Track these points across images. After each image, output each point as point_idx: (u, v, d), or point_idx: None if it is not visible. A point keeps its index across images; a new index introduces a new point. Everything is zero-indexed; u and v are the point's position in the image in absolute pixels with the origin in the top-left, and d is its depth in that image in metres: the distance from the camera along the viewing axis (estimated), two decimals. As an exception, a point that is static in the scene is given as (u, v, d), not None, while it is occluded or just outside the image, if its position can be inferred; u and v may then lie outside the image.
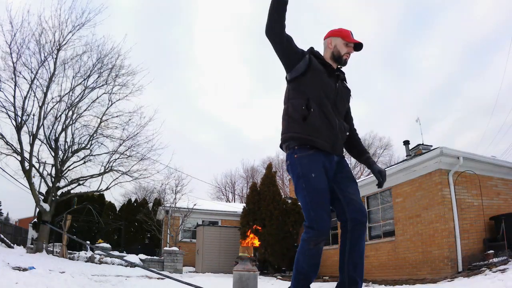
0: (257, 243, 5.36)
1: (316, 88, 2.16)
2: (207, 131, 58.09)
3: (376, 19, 49.82)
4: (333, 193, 2.17)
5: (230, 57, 58.53)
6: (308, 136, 2.10)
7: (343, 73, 2.40)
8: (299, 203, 2.30)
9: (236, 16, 56.14)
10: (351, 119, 2.49)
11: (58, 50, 12.20)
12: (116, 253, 15.12)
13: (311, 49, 2.33)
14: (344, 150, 2.45)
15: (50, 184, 12.74)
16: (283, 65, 2.26)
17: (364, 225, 2.13)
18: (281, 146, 2.30)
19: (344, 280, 2.12)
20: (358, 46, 2.33)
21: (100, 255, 12.12)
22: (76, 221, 18.03)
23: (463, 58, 47.74)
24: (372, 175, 2.80)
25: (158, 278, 9.07)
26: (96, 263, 11.40)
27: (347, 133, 2.34)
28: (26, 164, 11.74)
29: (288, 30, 2.18)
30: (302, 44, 2.28)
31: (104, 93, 13.31)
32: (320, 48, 2.41)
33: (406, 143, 13.52)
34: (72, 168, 13.49)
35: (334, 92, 2.23)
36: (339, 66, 2.37)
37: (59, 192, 13.95)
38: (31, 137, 11.97)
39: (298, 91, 2.19)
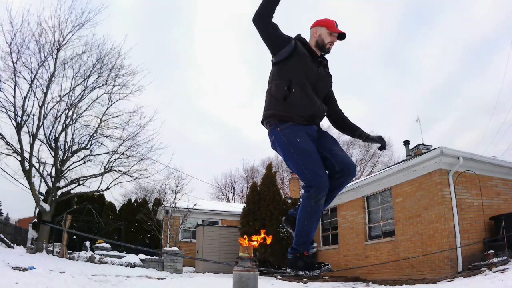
0: (256, 242, 5.34)
1: (298, 71, 2.32)
2: (207, 131, 58.09)
3: (376, 19, 49.82)
4: (320, 155, 2.29)
5: (230, 57, 58.54)
6: (288, 113, 2.28)
7: (326, 60, 2.54)
8: (294, 172, 2.39)
9: (236, 15, 56.16)
10: (335, 101, 2.65)
11: (58, 50, 12.20)
12: (116, 253, 15.12)
13: (298, 35, 2.48)
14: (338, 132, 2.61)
15: (50, 184, 12.74)
16: (269, 49, 2.39)
17: (352, 175, 2.31)
18: (262, 122, 2.47)
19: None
20: (341, 36, 2.47)
21: (100, 255, 12.12)
22: (76, 221, 18.03)
23: (463, 57, 47.77)
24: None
25: (158, 278, 9.07)
26: (96, 263, 11.40)
27: (325, 114, 2.53)
28: (26, 164, 11.74)
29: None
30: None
31: (104, 93, 13.32)
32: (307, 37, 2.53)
33: (406, 143, 13.52)
34: (72, 168, 13.50)
35: (315, 76, 2.39)
36: (322, 54, 2.51)
37: (59, 192, 13.95)
38: (31, 137, 11.97)
39: (281, 73, 2.35)
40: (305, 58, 2.35)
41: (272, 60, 2.44)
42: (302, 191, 2.26)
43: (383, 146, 2.47)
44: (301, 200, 2.27)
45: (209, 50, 57.24)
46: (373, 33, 49.27)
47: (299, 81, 2.30)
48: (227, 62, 57.54)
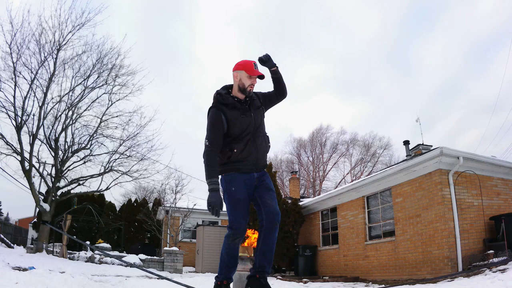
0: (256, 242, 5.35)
1: (236, 132, 2.69)
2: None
3: (378, 18, 49.82)
4: (255, 201, 2.77)
5: (230, 56, 58.54)
6: (234, 166, 2.71)
7: (253, 97, 2.81)
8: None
9: (238, 12, 56.17)
10: (269, 93, 2.96)
11: (58, 50, 12.20)
12: (115, 253, 15.12)
13: (218, 97, 2.74)
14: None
15: (50, 184, 12.73)
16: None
17: (276, 223, 2.74)
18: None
19: (256, 263, 2.76)
20: (261, 77, 2.73)
21: (100, 255, 12.12)
22: (76, 221, 18.04)
23: (466, 56, 47.77)
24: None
25: (158, 278, 9.07)
26: (96, 263, 11.41)
27: (269, 144, 2.92)
28: (26, 164, 11.74)
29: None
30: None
31: (104, 93, 13.32)
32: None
33: (406, 143, 13.53)
34: (72, 168, 13.49)
35: (251, 125, 2.73)
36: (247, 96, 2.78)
37: (59, 192, 13.94)
38: (31, 137, 11.96)
39: (225, 140, 2.72)
40: (237, 120, 2.68)
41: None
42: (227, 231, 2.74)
43: (266, 62, 2.77)
44: (224, 238, 2.77)
45: (210, 47, 57.27)
46: (375, 32, 49.29)
47: (239, 139, 2.69)
48: (227, 60, 57.55)
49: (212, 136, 2.66)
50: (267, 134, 2.92)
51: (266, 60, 2.76)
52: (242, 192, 2.68)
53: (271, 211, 2.70)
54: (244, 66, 2.70)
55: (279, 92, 2.93)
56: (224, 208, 2.59)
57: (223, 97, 2.73)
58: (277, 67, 2.83)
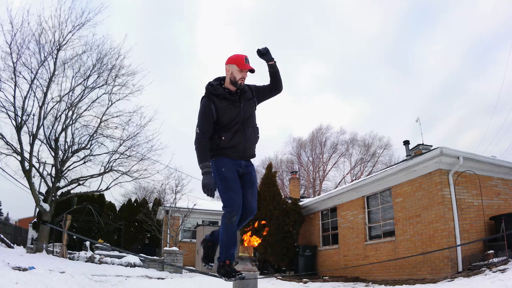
0: (256, 242, 5.36)
1: (225, 121, 2.84)
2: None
3: (378, 17, 49.81)
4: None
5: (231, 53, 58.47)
6: (223, 152, 2.86)
7: (244, 90, 2.95)
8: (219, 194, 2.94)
9: (238, 11, 56.19)
10: (263, 87, 3.07)
11: (58, 50, 12.20)
12: (116, 253, 15.11)
13: (210, 88, 2.88)
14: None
15: (50, 184, 12.73)
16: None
17: (250, 216, 2.90)
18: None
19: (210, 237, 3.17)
20: (251, 71, 2.86)
21: (100, 255, 12.12)
22: (76, 221, 18.02)
23: (466, 56, 47.76)
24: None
25: (158, 278, 9.07)
26: (96, 263, 11.40)
27: (258, 135, 3.04)
28: (26, 164, 11.74)
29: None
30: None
31: (104, 93, 13.32)
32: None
33: (406, 143, 13.53)
34: (72, 168, 13.50)
35: (240, 115, 2.87)
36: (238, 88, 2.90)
37: (59, 192, 13.95)
38: (31, 137, 11.97)
39: (215, 128, 2.87)
40: (226, 109, 2.83)
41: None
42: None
43: (264, 55, 2.89)
44: (221, 218, 2.88)
45: (210, 47, 57.28)
46: (376, 32, 49.30)
47: (228, 128, 2.84)
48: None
49: (202, 125, 2.81)
50: (257, 126, 3.05)
51: (264, 53, 2.86)
52: (233, 172, 2.84)
53: (248, 207, 2.88)
54: (235, 60, 2.83)
55: (275, 86, 3.03)
56: (217, 193, 2.77)
57: (214, 87, 2.87)
58: (274, 61, 2.93)
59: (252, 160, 3.09)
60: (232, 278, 2.78)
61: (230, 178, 2.81)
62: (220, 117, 2.83)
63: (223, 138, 2.83)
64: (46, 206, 12.13)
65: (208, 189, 2.64)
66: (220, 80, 2.95)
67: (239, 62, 2.82)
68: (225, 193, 2.79)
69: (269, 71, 2.97)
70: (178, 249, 12.96)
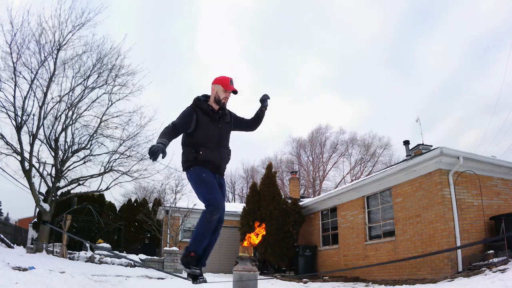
0: (256, 240, 5.37)
1: (202, 137, 3.02)
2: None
3: (379, 17, 49.82)
4: None
5: (231, 55, 58.55)
6: (199, 163, 3.00)
7: (225, 112, 3.19)
8: (200, 198, 3.06)
9: (238, 11, 56.19)
10: (245, 120, 3.40)
11: (58, 50, 12.20)
12: (116, 253, 15.10)
13: (197, 101, 3.10)
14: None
15: (50, 184, 12.73)
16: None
17: (219, 227, 3.09)
18: (183, 171, 3.15)
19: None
20: (235, 92, 3.12)
21: (100, 255, 12.12)
22: (76, 221, 18.02)
23: (467, 56, 47.75)
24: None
25: (158, 278, 9.07)
26: (96, 263, 11.41)
27: (230, 157, 3.27)
28: (26, 164, 11.74)
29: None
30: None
31: (104, 93, 13.32)
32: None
33: (406, 143, 13.53)
34: (72, 168, 13.49)
35: (217, 134, 3.08)
36: (221, 107, 3.13)
37: (59, 192, 13.94)
38: (31, 137, 11.96)
39: (190, 141, 3.05)
40: (205, 126, 3.03)
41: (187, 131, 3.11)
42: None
43: (264, 101, 3.35)
44: (202, 213, 2.97)
45: (211, 47, 57.28)
46: (376, 32, 49.30)
47: (205, 144, 3.02)
48: (228, 60, 57.55)
49: (179, 122, 2.96)
50: (230, 148, 3.31)
51: (264, 99, 3.34)
52: (213, 176, 3.03)
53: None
54: (221, 81, 3.08)
55: (253, 124, 3.41)
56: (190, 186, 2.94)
57: (200, 102, 3.11)
58: (267, 108, 3.37)
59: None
60: (188, 269, 2.96)
61: (212, 182, 2.97)
62: (197, 128, 3.02)
63: (200, 152, 3.01)
64: (46, 206, 12.12)
65: (154, 151, 2.57)
66: (206, 97, 3.18)
67: (224, 83, 3.07)
68: (209, 194, 2.92)
69: (257, 113, 3.36)
70: (178, 249, 12.95)
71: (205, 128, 3.03)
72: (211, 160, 3.02)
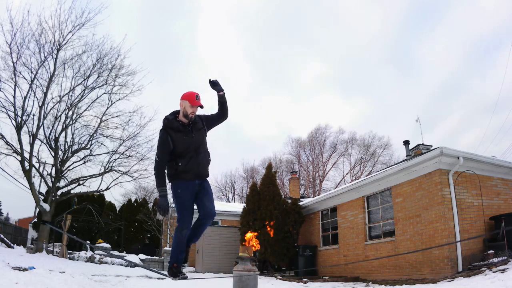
0: (256, 245, 5.38)
1: (180, 150, 3.34)
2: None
3: (379, 17, 49.81)
4: (197, 202, 3.47)
5: (232, 52, 58.54)
6: (179, 177, 3.38)
7: (195, 121, 3.42)
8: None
9: (239, 10, 56.18)
10: (212, 116, 3.58)
11: (58, 50, 12.20)
12: (116, 253, 15.11)
13: (166, 122, 3.38)
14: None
15: (50, 184, 12.74)
16: None
17: (209, 220, 3.49)
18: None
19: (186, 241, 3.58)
20: (201, 106, 3.35)
21: (100, 255, 12.11)
22: (76, 221, 18.02)
23: (468, 55, 47.74)
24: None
25: (158, 278, 9.07)
26: (96, 263, 11.41)
27: (209, 158, 3.58)
28: (26, 164, 11.74)
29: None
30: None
31: (104, 93, 13.34)
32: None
33: (406, 143, 13.53)
34: (72, 168, 13.51)
35: (192, 144, 3.37)
36: (190, 120, 3.39)
37: (59, 192, 13.95)
38: (31, 137, 11.97)
39: (171, 157, 3.39)
40: (180, 141, 3.32)
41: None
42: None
43: (215, 85, 3.49)
44: (175, 229, 3.47)
45: (211, 46, 57.27)
46: (376, 31, 49.29)
47: (183, 156, 3.35)
48: (228, 59, 57.54)
49: (161, 154, 3.32)
50: (208, 150, 3.58)
51: (216, 84, 3.46)
52: (187, 194, 3.38)
53: (207, 211, 3.42)
54: (188, 97, 3.33)
55: (222, 113, 3.56)
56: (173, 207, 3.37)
57: (169, 122, 3.38)
58: (224, 92, 3.49)
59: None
60: (177, 278, 3.46)
61: (185, 199, 3.36)
62: (175, 146, 3.33)
63: (179, 164, 3.35)
64: (46, 206, 12.12)
65: (162, 210, 3.22)
66: (175, 114, 3.45)
67: (191, 99, 3.32)
68: (179, 212, 3.37)
69: (218, 100, 3.50)
70: (178, 249, 12.93)
71: (181, 143, 3.34)
72: (189, 169, 3.36)
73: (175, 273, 3.47)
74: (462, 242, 7.74)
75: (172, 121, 3.38)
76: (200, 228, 3.54)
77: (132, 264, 11.62)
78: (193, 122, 3.40)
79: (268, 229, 12.50)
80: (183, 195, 3.36)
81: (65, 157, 13.09)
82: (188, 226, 3.40)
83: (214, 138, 38.28)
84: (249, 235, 5.55)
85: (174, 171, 3.36)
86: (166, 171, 3.42)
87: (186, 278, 3.51)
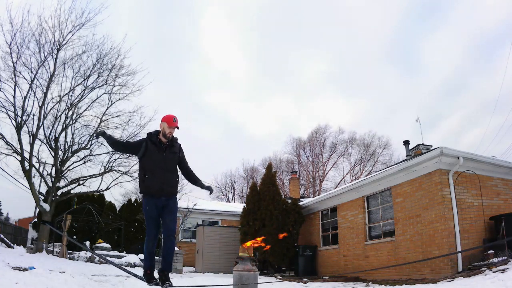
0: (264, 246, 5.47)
1: (149, 162, 3.92)
2: (208, 128, 58.08)
3: (380, 16, 49.81)
4: (161, 218, 3.99)
5: (231, 54, 58.54)
6: (146, 189, 3.92)
7: (173, 144, 4.03)
8: None
9: (240, 10, 56.20)
10: (186, 168, 4.23)
11: (58, 50, 12.20)
12: (116, 253, 15.10)
13: (149, 135, 4.02)
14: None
15: (50, 184, 12.73)
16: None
17: (171, 238, 3.99)
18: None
19: (162, 263, 4.01)
20: (177, 127, 3.95)
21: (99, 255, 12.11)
22: (76, 221, 18.02)
23: (469, 54, 47.73)
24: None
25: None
26: (96, 263, 11.41)
27: (178, 179, 4.07)
28: (26, 164, 11.74)
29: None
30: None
31: (104, 93, 13.33)
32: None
33: (406, 143, 13.52)
34: (72, 168, 13.50)
35: (162, 161, 3.90)
36: (168, 140, 3.98)
37: (59, 192, 13.95)
38: (31, 137, 11.97)
39: (141, 165, 4.00)
40: (153, 153, 3.89)
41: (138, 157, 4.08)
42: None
43: (210, 189, 4.30)
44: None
45: (211, 44, 57.28)
46: (377, 31, 49.28)
47: (151, 169, 3.88)
48: (228, 58, 57.55)
49: (130, 142, 3.91)
50: (178, 173, 4.09)
51: (209, 190, 4.30)
52: (153, 211, 3.90)
53: (168, 230, 3.95)
54: (166, 120, 3.91)
55: (188, 178, 4.32)
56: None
57: (151, 135, 4.01)
58: (209, 190, 4.33)
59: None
60: (151, 283, 3.89)
61: (150, 214, 3.90)
62: (145, 155, 3.92)
63: (146, 176, 3.88)
64: (46, 206, 12.13)
65: (96, 133, 4.04)
66: (157, 132, 4.02)
67: (169, 121, 3.89)
68: (147, 225, 3.95)
69: (200, 183, 4.27)
70: (178, 249, 12.94)
71: (152, 155, 3.88)
72: (153, 184, 3.83)
73: (149, 279, 3.93)
74: (462, 242, 7.74)
75: (154, 136, 3.98)
76: (165, 246, 3.99)
77: (122, 267, 11.62)
78: (170, 144, 3.96)
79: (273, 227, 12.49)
80: (149, 211, 3.88)
81: (65, 157, 13.09)
82: (155, 238, 3.96)
83: (214, 138, 38.26)
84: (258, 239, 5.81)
85: (142, 182, 3.89)
86: (138, 179, 4.01)
87: (158, 284, 3.87)
